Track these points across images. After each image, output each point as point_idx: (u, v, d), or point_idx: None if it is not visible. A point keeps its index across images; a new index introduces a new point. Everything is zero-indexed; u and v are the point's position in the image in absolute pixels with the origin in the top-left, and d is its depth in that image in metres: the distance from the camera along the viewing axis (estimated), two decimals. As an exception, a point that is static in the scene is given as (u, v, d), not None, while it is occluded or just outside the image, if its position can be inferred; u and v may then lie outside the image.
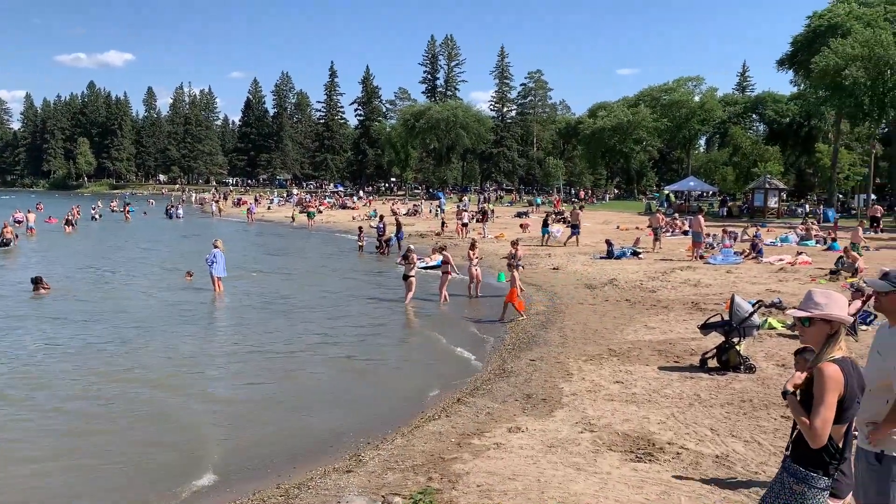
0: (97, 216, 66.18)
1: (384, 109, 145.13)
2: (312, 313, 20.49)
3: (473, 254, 22.70)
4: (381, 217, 44.46)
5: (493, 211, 56.55)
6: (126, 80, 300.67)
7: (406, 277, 22.06)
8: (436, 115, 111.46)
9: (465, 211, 54.33)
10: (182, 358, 15.20)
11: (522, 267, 22.68)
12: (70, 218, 54.99)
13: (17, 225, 50.09)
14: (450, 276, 22.42)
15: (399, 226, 40.39)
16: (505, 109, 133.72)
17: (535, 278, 25.41)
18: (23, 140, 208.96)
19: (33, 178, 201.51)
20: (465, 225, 44.59)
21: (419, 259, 26.51)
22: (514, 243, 21.28)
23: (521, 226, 48.65)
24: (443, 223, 49.62)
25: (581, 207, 49.09)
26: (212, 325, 19.09)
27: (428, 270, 27.86)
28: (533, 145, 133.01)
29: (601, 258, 30.75)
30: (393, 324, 19.34)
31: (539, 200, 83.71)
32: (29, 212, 54.28)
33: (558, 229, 40.52)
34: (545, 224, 39.55)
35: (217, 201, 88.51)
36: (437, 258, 26.52)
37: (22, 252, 37.77)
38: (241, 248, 38.90)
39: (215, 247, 23.70)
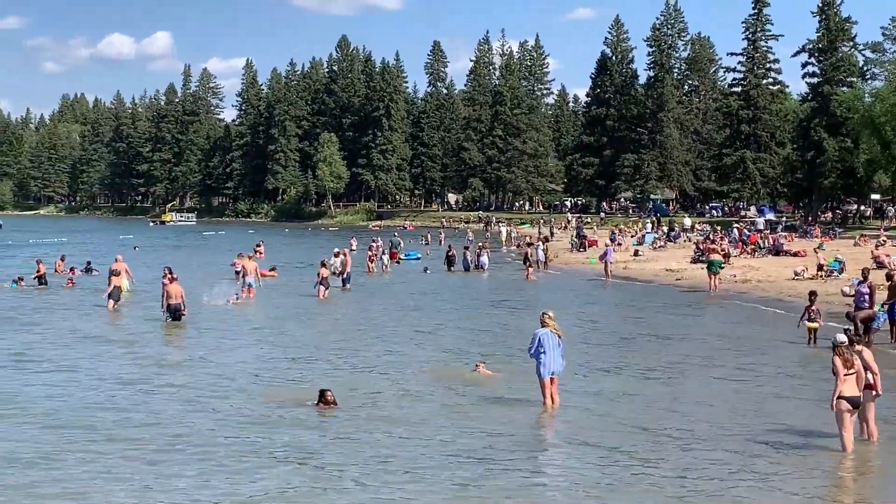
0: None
1: (860, 62, 77.61)
2: None
3: None
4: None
5: None
6: (396, 32, 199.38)
7: None
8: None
9: None
10: None
11: None
12: (329, 270, 29.95)
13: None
14: None
15: None
16: None
17: None
18: (238, 140, 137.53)
19: (252, 200, 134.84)
20: None
21: None
22: None
23: None
24: None
25: None
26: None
27: None
28: None
29: None
30: None
31: None
32: (249, 258, 31.59)
33: None
34: None
35: (544, 240, 48.26)
36: None
37: (237, 329, 22.46)
38: (575, 332, 20.86)
39: (544, 324, 13.57)
